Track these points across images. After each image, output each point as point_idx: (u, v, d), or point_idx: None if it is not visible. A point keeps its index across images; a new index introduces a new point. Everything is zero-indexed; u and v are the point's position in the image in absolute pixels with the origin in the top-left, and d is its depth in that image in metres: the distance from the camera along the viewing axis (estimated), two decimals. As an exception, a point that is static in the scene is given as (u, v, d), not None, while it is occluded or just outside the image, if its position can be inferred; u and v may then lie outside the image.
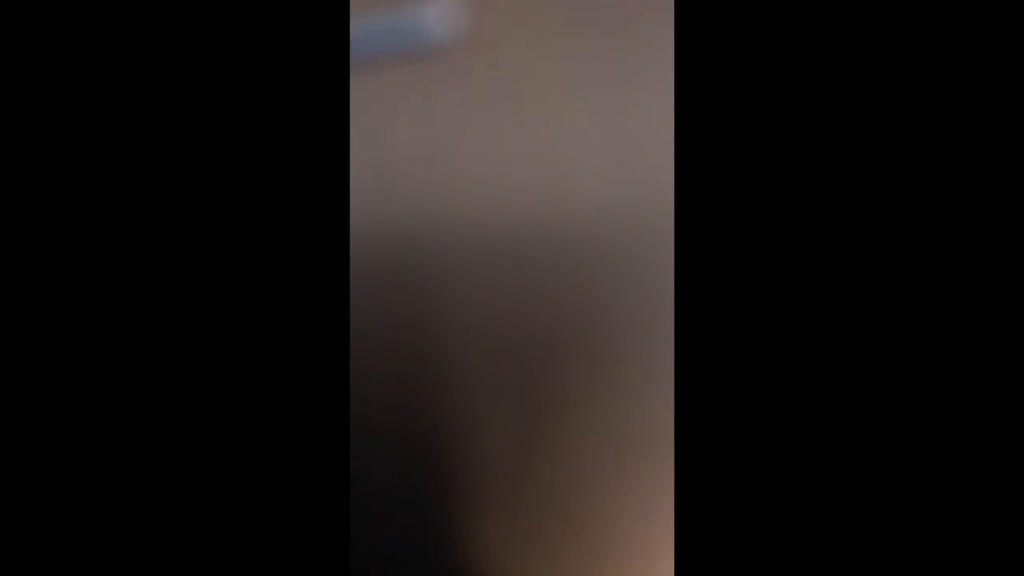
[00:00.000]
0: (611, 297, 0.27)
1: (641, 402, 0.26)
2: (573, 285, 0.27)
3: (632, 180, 0.27)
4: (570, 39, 0.28)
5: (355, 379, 0.27)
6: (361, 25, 0.29)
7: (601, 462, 0.26)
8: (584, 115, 0.28)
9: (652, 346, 0.26)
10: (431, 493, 0.26)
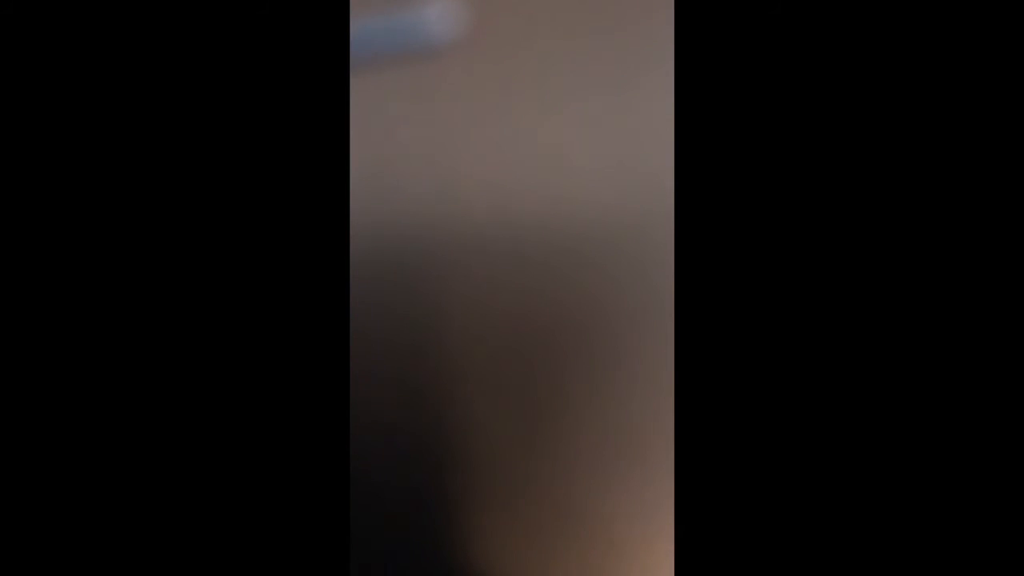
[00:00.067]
0: (611, 297, 0.27)
1: (641, 402, 0.26)
2: (573, 285, 0.27)
3: (632, 180, 0.27)
4: (570, 39, 0.28)
5: (355, 379, 0.27)
6: (361, 25, 0.29)
7: (601, 462, 0.26)
8: (584, 115, 0.28)
9: (652, 346, 0.26)
10: (431, 493, 0.26)
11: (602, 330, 0.26)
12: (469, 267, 0.27)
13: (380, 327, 0.27)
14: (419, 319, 0.27)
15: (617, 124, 0.27)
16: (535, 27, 0.28)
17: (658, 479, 0.26)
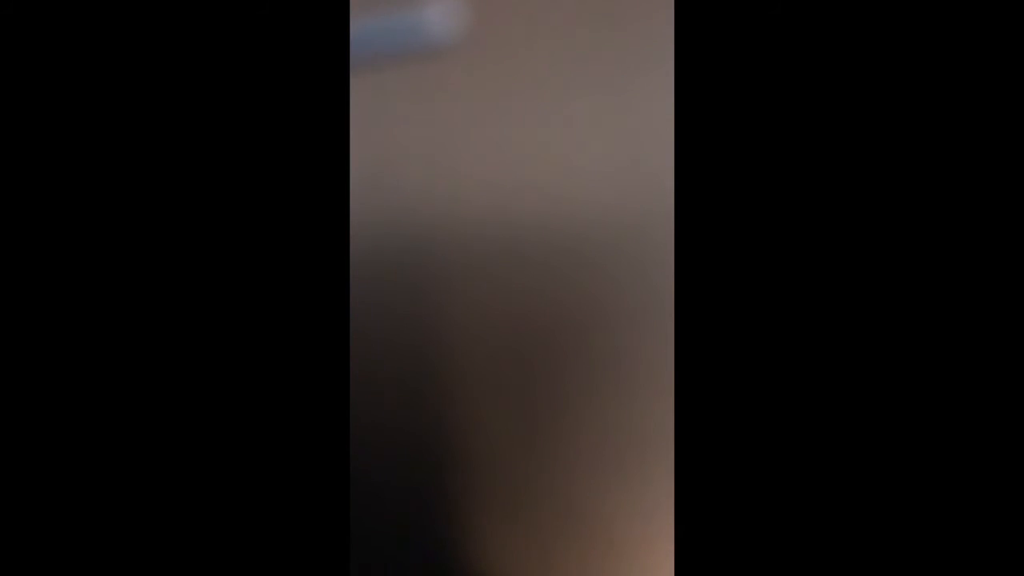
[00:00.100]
0: (611, 297, 0.27)
1: (641, 402, 0.26)
2: (573, 285, 0.27)
3: (632, 180, 0.27)
4: (570, 39, 0.28)
5: (355, 379, 0.27)
6: (361, 25, 0.29)
7: (601, 462, 0.26)
8: (584, 115, 0.28)
9: (652, 346, 0.26)
10: (431, 493, 0.26)
11: (602, 330, 0.26)
12: (469, 267, 0.27)
13: (380, 327, 0.27)
14: (419, 319, 0.27)
15: (617, 124, 0.27)
16: (535, 27, 0.28)
17: (658, 479, 0.26)
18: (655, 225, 0.27)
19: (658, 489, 0.26)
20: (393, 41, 0.29)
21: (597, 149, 0.27)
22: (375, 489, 0.27)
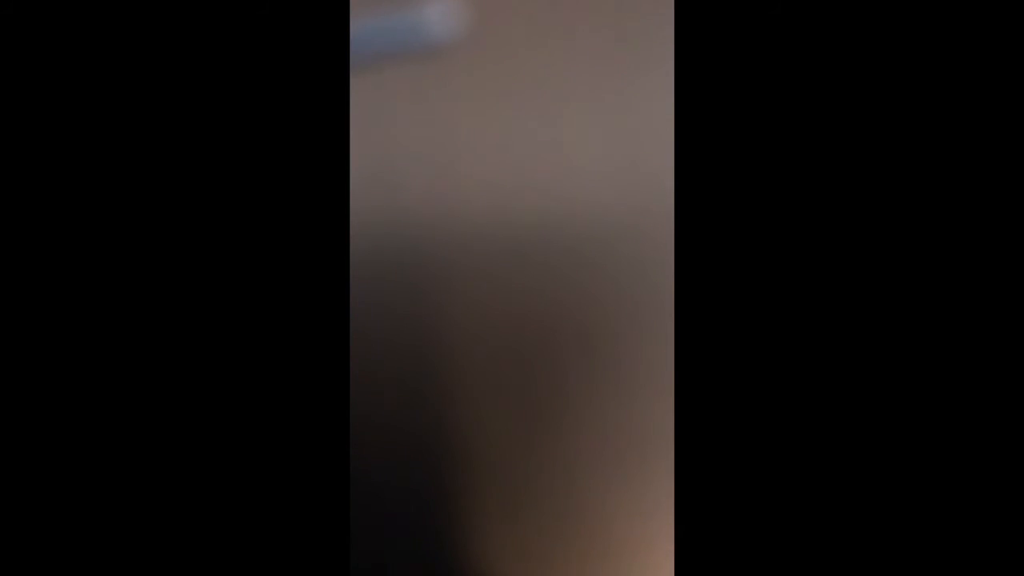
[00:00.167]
0: (611, 297, 0.27)
1: (641, 402, 0.26)
2: (573, 285, 0.27)
3: (632, 180, 0.27)
4: (570, 39, 0.28)
5: (355, 379, 0.27)
6: (361, 25, 0.29)
7: (601, 462, 0.26)
8: (584, 115, 0.28)
9: (652, 346, 0.26)
10: (431, 493, 0.26)
11: (602, 330, 0.26)
12: (469, 267, 0.27)
13: (380, 327, 0.27)
14: (419, 319, 0.27)
15: (617, 124, 0.27)
16: (535, 27, 0.28)
17: (658, 479, 0.26)
18: (655, 225, 0.27)
19: (658, 489, 0.26)
20: (393, 41, 0.29)
21: (597, 149, 0.27)
22: (375, 489, 0.27)
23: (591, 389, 0.26)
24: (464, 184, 0.28)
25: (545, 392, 0.26)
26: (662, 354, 0.26)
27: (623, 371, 0.26)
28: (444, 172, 0.28)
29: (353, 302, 0.28)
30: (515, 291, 0.27)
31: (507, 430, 0.26)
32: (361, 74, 0.29)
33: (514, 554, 0.26)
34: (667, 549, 0.25)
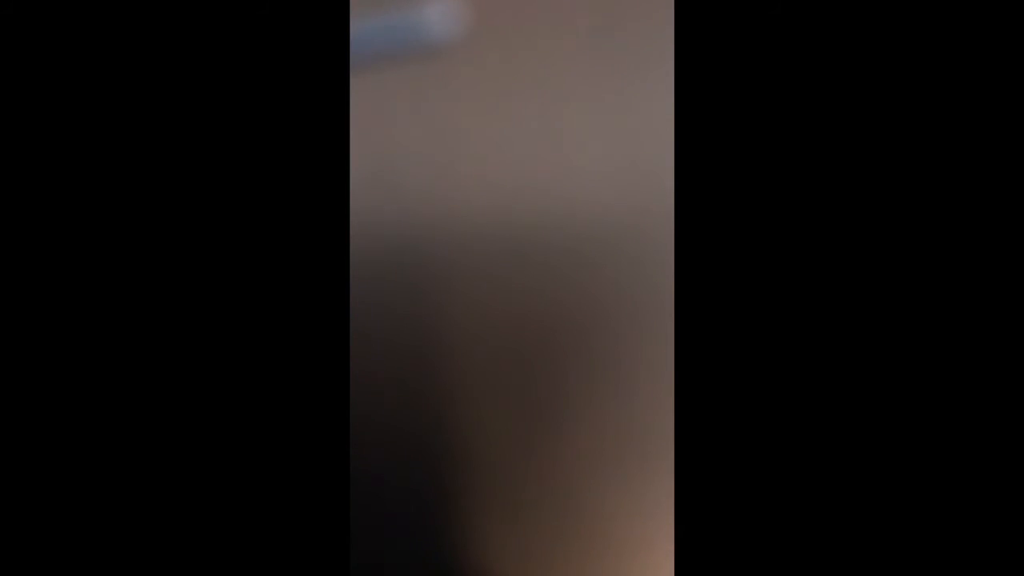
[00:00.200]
0: (611, 297, 0.27)
1: (641, 402, 0.26)
2: (573, 285, 0.27)
3: (632, 180, 0.27)
4: (570, 39, 0.28)
5: (355, 379, 0.27)
6: (361, 25, 0.29)
7: (601, 462, 0.26)
8: (584, 115, 0.28)
9: (652, 346, 0.26)
10: (431, 493, 0.26)
11: (602, 330, 0.26)
12: (469, 267, 0.27)
13: (380, 327, 0.27)
14: (419, 319, 0.27)
15: (617, 124, 0.27)
16: (535, 27, 0.28)
17: (658, 479, 0.26)
18: (655, 225, 0.27)
19: (658, 489, 0.26)
20: (393, 41, 0.29)
21: (597, 149, 0.27)
22: (375, 489, 0.27)
23: (591, 389, 0.26)
24: (464, 184, 0.28)
25: (545, 392, 0.26)
26: (662, 354, 0.26)
27: (623, 371, 0.26)
28: (444, 172, 0.28)
29: (353, 302, 0.28)
30: (515, 291, 0.27)
31: (507, 430, 0.26)
32: (361, 74, 0.29)
33: (514, 554, 0.26)
34: (667, 549, 0.25)
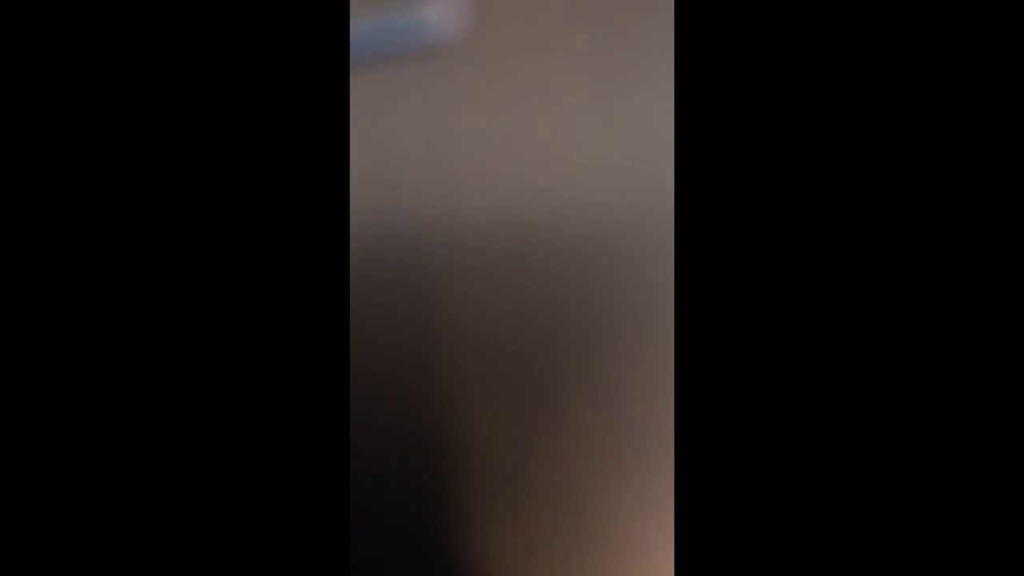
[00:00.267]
0: (611, 297, 0.27)
1: (641, 402, 0.26)
2: (573, 285, 0.27)
3: (632, 180, 0.27)
4: (570, 39, 0.28)
5: (355, 379, 0.27)
6: (361, 25, 0.29)
7: (601, 462, 0.26)
8: (584, 115, 0.28)
9: (652, 346, 0.26)
10: (431, 493, 0.26)
11: (602, 330, 0.26)
12: (469, 267, 0.27)
13: (380, 327, 0.27)
14: (419, 319, 0.27)
15: (617, 124, 0.27)
16: (535, 27, 0.28)
17: (658, 479, 0.26)
18: (655, 225, 0.27)
19: (658, 489, 0.26)
20: (393, 41, 0.29)
21: (597, 149, 0.27)
22: (375, 489, 0.27)
23: (591, 389, 0.26)
24: (464, 184, 0.28)
25: (545, 392, 0.26)
26: (662, 354, 0.26)
27: (623, 371, 0.26)
28: (444, 172, 0.28)
29: (353, 302, 0.28)
30: (515, 291, 0.27)
31: (507, 430, 0.26)
32: (361, 74, 0.29)
33: (514, 554, 0.26)
34: (667, 549, 0.25)
